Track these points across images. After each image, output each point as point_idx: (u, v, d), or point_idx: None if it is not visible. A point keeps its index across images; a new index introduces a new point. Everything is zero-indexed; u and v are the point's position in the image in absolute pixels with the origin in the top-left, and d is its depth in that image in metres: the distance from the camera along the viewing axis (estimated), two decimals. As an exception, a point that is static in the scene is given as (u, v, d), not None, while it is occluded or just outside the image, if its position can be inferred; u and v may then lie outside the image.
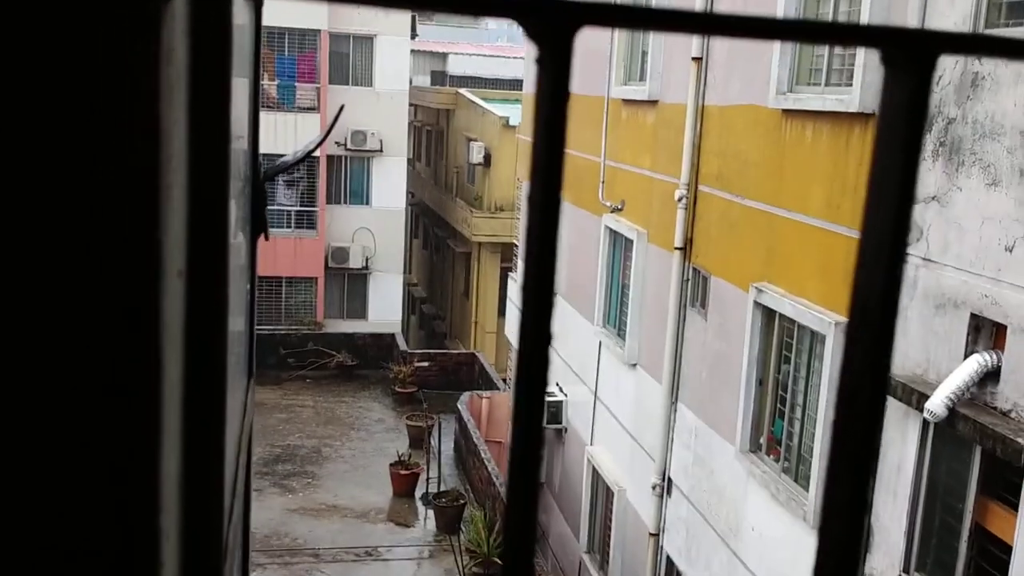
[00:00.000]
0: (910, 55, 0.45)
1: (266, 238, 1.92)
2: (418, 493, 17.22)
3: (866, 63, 7.36)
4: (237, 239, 1.58)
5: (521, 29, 0.41)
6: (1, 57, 0.48)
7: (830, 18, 8.11)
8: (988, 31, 6.29)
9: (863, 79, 7.38)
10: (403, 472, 17.21)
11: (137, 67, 0.50)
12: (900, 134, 0.46)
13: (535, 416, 0.44)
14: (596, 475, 13.21)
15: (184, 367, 0.75)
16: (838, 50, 8.07)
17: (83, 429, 0.54)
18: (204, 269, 0.80)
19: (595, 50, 13.37)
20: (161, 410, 0.57)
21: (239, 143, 1.60)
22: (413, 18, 26.72)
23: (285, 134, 23.56)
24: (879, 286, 0.47)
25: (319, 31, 24.88)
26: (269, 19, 23.01)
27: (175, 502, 0.72)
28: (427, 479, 17.02)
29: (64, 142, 0.50)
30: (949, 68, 6.52)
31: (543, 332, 0.42)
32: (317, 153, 24.62)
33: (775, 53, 8.64)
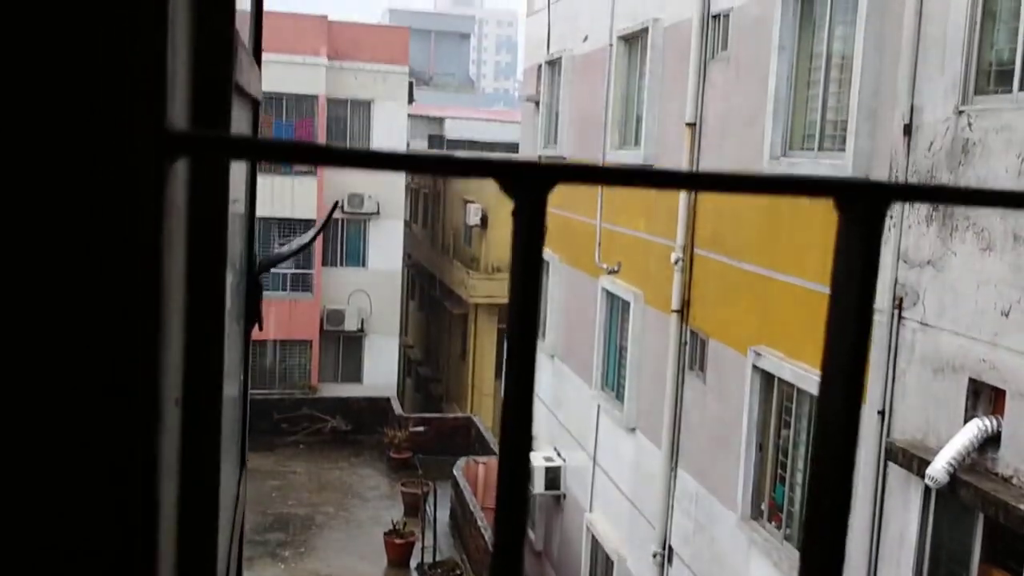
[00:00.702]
0: (862, 204, 0.49)
1: (260, 328, 1.91)
2: (413, 563, 16.90)
3: (858, 129, 7.44)
4: (234, 330, 1.58)
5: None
6: (16, 207, 0.53)
7: (821, 88, 8.22)
8: (978, 97, 6.37)
9: (856, 144, 7.45)
10: (398, 541, 16.92)
11: (142, 222, 0.55)
12: (854, 277, 0.49)
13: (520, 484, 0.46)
14: (595, 543, 12.99)
15: (180, 487, 0.78)
16: (831, 115, 8.17)
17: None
18: (200, 394, 0.87)
19: (590, 114, 13.54)
20: (158, 533, 0.60)
21: (236, 214, 1.60)
22: (410, 83, 27.12)
23: (282, 198, 23.72)
24: (835, 425, 0.49)
25: (317, 96, 25.21)
26: (268, 84, 23.34)
27: None
28: (422, 548, 16.73)
29: (71, 289, 0.54)
30: (940, 134, 6.59)
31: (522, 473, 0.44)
32: (314, 216, 24.75)
33: (768, 118, 8.74)
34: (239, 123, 1.50)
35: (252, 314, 1.89)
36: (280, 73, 23.46)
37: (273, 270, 24.90)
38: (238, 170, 1.63)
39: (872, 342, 7.09)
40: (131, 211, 0.54)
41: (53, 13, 0.52)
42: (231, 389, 1.60)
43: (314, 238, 2.73)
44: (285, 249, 2.68)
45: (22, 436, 0.54)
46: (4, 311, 0.53)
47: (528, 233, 0.43)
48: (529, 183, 0.43)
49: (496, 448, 20.67)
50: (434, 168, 0.44)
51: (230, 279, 1.46)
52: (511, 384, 0.44)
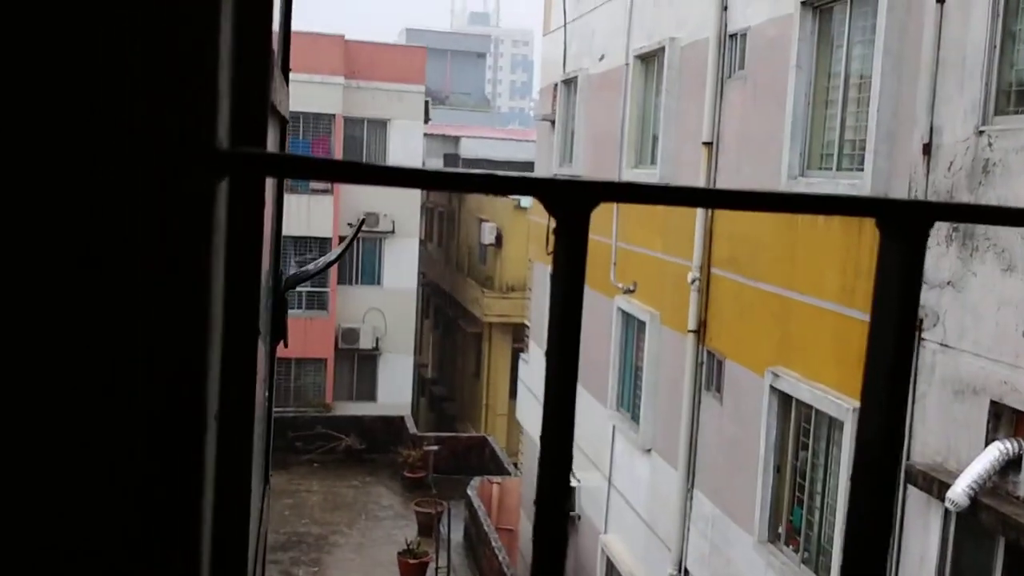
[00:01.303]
0: (904, 223, 0.49)
1: (285, 345, 1.92)
2: (427, 582, 16.83)
3: (876, 149, 7.40)
4: (259, 349, 1.58)
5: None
6: (68, 224, 0.55)
7: (839, 108, 8.19)
8: (998, 117, 6.33)
9: (874, 164, 7.41)
10: (411, 561, 16.86)
11: (194, 240, 0.57)
12: (895, 296, 0.49)
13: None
14: (610, 565, 12.89)
15: (214, 500, 0.80)
16: (849, 135, 8.14)
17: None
18: (234, 410, 0.90)
19: (606, 133, 13.55)
20: (201, 544, 0.62)
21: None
22: (426, 103, 27.25)
23: (298, 216, 23.83)
24: (877, 440, 0.48)
25: (334, 115, 25.36)
26: (285, 105, 23.50)
27: None
28: (436, 568, 16.66)
29: (124, 304, 0.56)
30: (960, 154, 6.54)
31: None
32: (330, 234, 24.84)
33: (786, 138, 8.72)
34: (270, 141, 1.50)
35: (278, 331, 1.90)
36: (297, 92, 23.54)
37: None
38: (267, 190, 1.63)
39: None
40: (185, 228, 0.56)
41: (108, 33, 0.54)
42: (258, 406, 1.60)
43: (342, 254, 2.74)
44: (311, 266, 2.69)
45: (74, 445, 0.56)
46: (53, 325, 0.55)
47: (570, 251, 0.43)
48: (572, 201, 0.43)
49: (510, 468, 20.60)
50: (476, 186, 0.44)
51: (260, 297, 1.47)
52: (552, 403, 0.44)
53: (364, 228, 25.63)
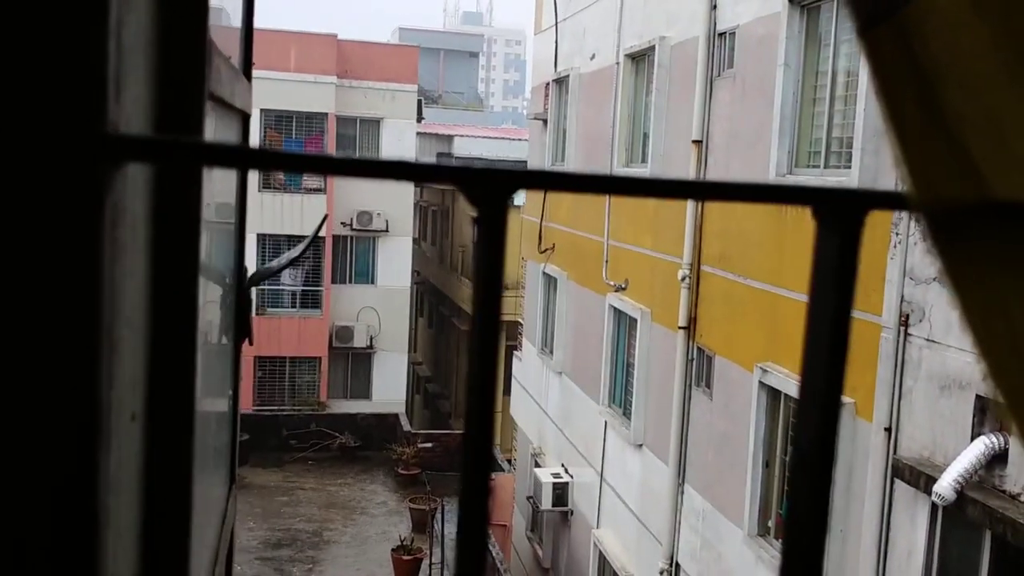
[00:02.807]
0: (838, 213, 0.46)
1: (250, 343, 1.92)
2: (421, 578, 16.87)
3: (864, 146, 7.47)
4: (222, 345, 1.58)
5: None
6: None
7: (827, 105, 8.26)
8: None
9: (862, 161, 7.48)
10: (405, 558, 16.90)
11: (78, 230, 0.52)
12: (830, 287, 0.47)
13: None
14: (603, 560, 12.96)
15: (144, 504, 0.78)
16: (836, 132, 8.20)
17: None
18: (168, 409, 0.83)
19: (598, 132, 13.61)
20: (99, 548, 0.56)
21: (225, 236, 1.62)
22: (419, 101, 27.26)
23: (291, 215, 23.83)
24: (814, 437, 0.48)
25: (326, 114, 25.36)
26: (277, 103, 23.52)
27: None
28: (430, 564, 16.70)
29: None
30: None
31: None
32: (323, 233, 24.84)
33: (774, 136, 8.78)
34: (226, 135, 1.49)
35: (242, 329, 1.90)
36: (290, 91, 23.61)
37: (282, 287, 24.99)
38: (227, 185, 1.63)
39: (878, 359, 7.09)
40: (62, 216, 0.51)
41: None
42: (218, 404, 1.57)
43: (305, 250, 2.75)
44: (275, 263, 2.70)
45: None
46: None
47: (489, 241, 0.42)
48: (489, 189, 0.42)
49: (503, 465, 20.66)
50: (395, 174, 0.43)
51: (219, 293, 1.46)
52: (473, 395, 0.43)
53: (357, 227, 25.64)
